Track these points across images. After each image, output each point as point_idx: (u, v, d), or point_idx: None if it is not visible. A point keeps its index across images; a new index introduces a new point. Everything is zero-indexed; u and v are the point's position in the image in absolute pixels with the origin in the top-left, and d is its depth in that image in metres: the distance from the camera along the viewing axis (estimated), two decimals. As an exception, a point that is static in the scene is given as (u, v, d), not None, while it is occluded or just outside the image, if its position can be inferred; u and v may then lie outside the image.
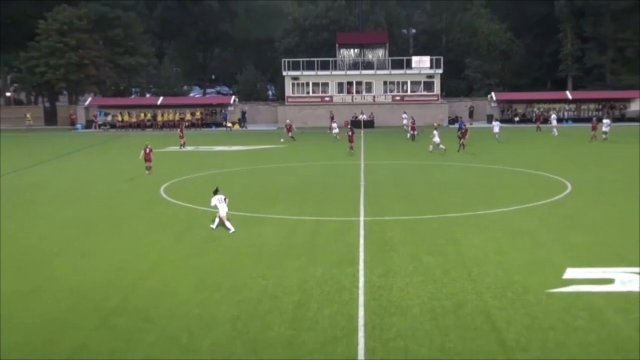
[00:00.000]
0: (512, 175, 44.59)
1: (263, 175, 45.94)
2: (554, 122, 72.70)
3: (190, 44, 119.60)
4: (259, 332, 18.17)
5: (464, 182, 41.84)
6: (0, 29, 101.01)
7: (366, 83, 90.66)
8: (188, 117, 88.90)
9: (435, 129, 57.68)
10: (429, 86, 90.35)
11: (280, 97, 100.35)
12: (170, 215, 33.34)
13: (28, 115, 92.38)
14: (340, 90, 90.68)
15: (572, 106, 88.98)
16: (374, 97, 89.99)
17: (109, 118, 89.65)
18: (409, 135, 68.99)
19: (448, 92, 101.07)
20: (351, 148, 56.52)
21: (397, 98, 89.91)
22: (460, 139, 57.78)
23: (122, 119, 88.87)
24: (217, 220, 30.08)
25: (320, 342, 17.50)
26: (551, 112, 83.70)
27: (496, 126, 67.12)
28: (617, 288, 21.17)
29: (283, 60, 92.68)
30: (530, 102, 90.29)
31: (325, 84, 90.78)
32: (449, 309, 19.56)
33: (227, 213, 29.80)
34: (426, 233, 28.43)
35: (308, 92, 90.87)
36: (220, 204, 29.82)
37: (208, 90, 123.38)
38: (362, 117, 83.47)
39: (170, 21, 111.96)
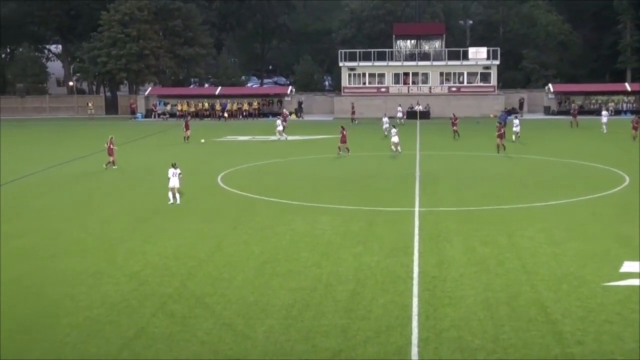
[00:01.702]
0: (565, 167, 43.95)
1: (319, 165, 45.90)
2: (605, 119, 66.34)
3: (249, 35, 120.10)
4: (314, 320, 18.21)
5: (517, 174, 41.35)
6: (64, 21, 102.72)
7: (422, 74, 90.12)
8: (245, 106, 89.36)
9: (394, 126, 53.33)
10: (485, 77, 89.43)
11: (336, 88, 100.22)
12: (227, 203, 33.56)
13: (90, 104, 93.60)
14: (397, 81, 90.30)
15: (632, 98, 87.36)
16: (430, 88, 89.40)
17: (168, 107, 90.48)
18: (385, 132, 61.21)
19: (505, 83, 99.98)
20: (339, 149, 49.94)
21: (454, 89, 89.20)
22: (499, 138, 50.10)
23: (181, 109, 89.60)
24: (170, 194, 33.33)
25: (374, 331, 17.47)
26: (603, 106, 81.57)
27: (516, 125, 58.07)
28: (675, 282, 20.78)
29: (340, 51, 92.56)
30: (588, 94, 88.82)
31: (382, 75, 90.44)
32: (503, 300, 19.38)
33: (178, 186, 33.29)
34: (480, 224, 28.20)
35: (364, 83, 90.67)
36: (173, 177, 33.23)
37: (265, 81, 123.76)
38: (418, 108, 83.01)
39: (228, 13, 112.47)
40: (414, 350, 16.28)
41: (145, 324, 18.14)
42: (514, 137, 57.18)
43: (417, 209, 31.29)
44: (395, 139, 49.87)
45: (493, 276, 21.48)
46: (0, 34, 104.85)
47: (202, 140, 60.29)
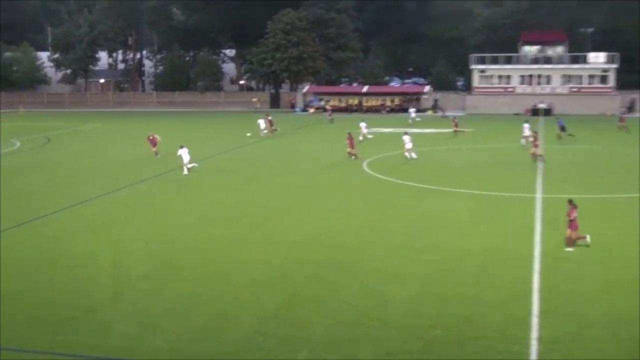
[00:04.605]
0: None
1: (450, 155, 45.10)
2: None
3: (392, 41, 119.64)
4: (445, 290, 17.98)
5: (631, 165, 39.02)
6: (237, 30, 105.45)
7: (546, 76, 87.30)
8: (388, 103, 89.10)
9: (406, 133, 43.41)
10: (604, 79, 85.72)
11: (467, 88, 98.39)
12: (371, 185, 33.59)
13: (254, 100, 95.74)
14: (522, 82, 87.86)
15: None
16: (552, 88, 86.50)
17: (322, 103, 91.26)
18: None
19: (623, 84, 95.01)
20: (350, 155, 42.43)
21: (574, 89, 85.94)
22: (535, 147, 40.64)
23: (334, 105, 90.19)
24: (185, 168, 36.73)
25: (499, 300, 17.09)
26: None
27: (526, 128, 47.38)
28: None
29: (471, 55, 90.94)
30: None
31: (509, 77, 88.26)
32: (623, 281, 18.46)
33: (189, 160, 36.77)
34: (601, 211, 26.98)
35: (492, 84, 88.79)
36: (184, 154, 36.72)
37: (406, 81, 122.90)
38: (541, 106, 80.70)
39: (375, 22, 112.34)
40: (534, 321, 15.80)
41: (300, 287, 18.40)
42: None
43: (539, 195, 30.31)
44: (408, 144, 41.55)
45: (614, 259, 20.50)
46: (187, 40, 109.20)
47: (248, 134, 56.98)
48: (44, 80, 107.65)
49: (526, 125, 48.31)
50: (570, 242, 21.49)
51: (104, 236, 24.03)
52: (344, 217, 26.54)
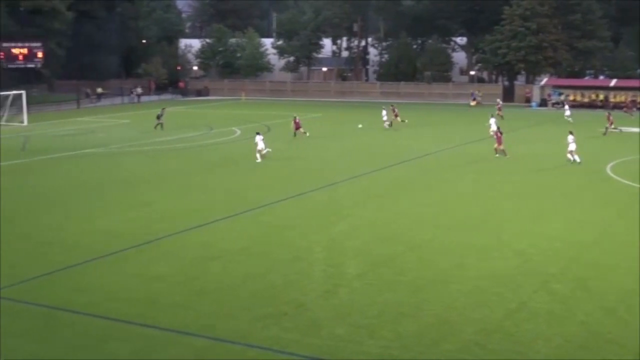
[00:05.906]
0: None
1: None
2: None
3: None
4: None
5: None
6: (470, 16, 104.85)
7: None
8: (639, 99, 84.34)
9: (571, 132, 40.79)
10: None
11: None
12: (614, 192, 32.08)
13: (476, 92, 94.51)
14: None
15: None
16: None
17: (562, 97, 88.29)
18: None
19: None
20: (496, 151, 42.21)
21: None
22: None
23: (575, 99, 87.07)
24: (258, 155, 39.89)
25: None
26: None
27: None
28: None
29: None
30: None
31: None
32: None
33: (263, 148, 39.98)
34: None
35: None
36: (260, 141, 40.13)
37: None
38: None
39: (629, 6, 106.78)
40: None
41: (527, 299, 18.07)
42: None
43: None
44: (572, 146, 39.55)
45: None
46: (415, 27, 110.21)
47: (360, 126, 57.75)
48: (267, 68, 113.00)
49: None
50: None
51: (319, 230, 25.01)
52: (582, 227, 25.64)
